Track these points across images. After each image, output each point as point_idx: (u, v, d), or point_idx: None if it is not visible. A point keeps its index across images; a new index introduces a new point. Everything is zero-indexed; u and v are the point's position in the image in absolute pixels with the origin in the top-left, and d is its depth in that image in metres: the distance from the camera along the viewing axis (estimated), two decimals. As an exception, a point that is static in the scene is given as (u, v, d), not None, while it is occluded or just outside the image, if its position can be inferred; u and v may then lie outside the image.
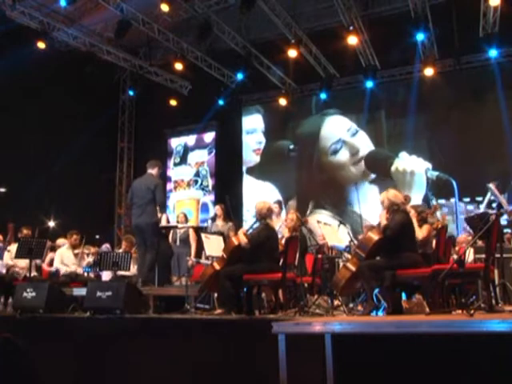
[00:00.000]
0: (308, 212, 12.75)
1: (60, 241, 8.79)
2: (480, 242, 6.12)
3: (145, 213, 6.96)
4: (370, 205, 12.26)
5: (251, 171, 14.05)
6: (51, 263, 8.48)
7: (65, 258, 8.00)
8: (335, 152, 12.89)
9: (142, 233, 7.03)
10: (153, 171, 7.30)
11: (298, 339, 3.91)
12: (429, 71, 11.39)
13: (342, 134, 12.93)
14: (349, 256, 6.49)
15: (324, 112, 13.24)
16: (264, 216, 5.90)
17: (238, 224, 9.12)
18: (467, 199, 11.30)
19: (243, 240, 5.70)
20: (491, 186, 6.52)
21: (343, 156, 12.85)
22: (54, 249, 8.80)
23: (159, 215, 7.31)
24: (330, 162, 12.99)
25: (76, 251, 8.08)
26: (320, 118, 13.29)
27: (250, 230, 6.00)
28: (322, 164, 13.08)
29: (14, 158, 11.40)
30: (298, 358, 3.81)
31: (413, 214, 5.81)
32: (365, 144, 12.71)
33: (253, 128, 14.17)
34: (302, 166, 13.41)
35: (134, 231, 7.28)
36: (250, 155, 14.11)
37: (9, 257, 7.88)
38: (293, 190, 13.46)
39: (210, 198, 14.39)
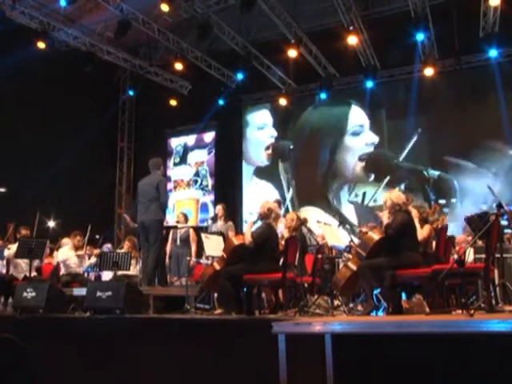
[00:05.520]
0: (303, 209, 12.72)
1: (65, 241, 8.77)
2: (480, 242, 6.13)
3: (148, 210, 7.02)
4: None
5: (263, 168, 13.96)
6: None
7: (67, 258, 7.98)
8: (355, 134, 12.81)
9: (145, 230, 7.06)
10: (158, 171, 7.40)
11: (298, 339, 3.91)
12: (429, 71, 11.37)
13: (364, 121, 12.86)
14: (349, 256, 6.49)
15: (348, 100, 13.07)
16: (268, 215, 5.89)
17: (240, 225, 9.12)
18: (467, 199, 11.30)
19: (248, 238, 5.70)
20: (490, 185, 6.52)
21: (360, 142, 12.75)
22: (58, 248, 8.79)
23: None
24: (345, 144, 12.88)
25: (79, 253, 8.05)
26: (347, 105, 13.08)
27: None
28: (337, 144, 12.96)
29: (13, 158, 11.40)
30: (298, 358, 3.82)
31: (415, 214, 5.81)
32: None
33: (263, 123, 14.10)
34: (302, 165, 13.41)
35: (138, 228, 7.33)
36: (261, 153, 13.98)
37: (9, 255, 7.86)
38: (292, 190, 13.44)
39: (209, 198, 14.39)
